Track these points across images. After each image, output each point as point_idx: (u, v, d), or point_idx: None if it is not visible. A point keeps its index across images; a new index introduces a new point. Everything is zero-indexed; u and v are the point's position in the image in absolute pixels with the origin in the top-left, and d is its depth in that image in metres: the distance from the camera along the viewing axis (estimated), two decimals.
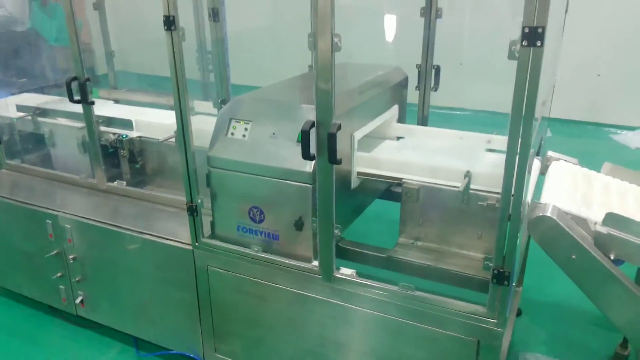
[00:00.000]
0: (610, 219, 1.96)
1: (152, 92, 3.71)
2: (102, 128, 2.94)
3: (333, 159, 1.85)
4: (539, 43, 1.46)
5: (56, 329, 3.09)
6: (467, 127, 2.74)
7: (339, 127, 1.83)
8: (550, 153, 2.66)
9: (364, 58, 2.90)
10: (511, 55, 1.51)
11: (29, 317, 3.19)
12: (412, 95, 3.02)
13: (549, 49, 1.63)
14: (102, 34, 3.78)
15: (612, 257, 1.96)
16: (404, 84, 2.94)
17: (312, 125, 1.87)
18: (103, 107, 3.22)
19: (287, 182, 2.07)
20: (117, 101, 3.71)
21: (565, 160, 2.64)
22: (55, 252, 2.84)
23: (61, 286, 2.92)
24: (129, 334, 2.87)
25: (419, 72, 2.98)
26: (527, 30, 1.46)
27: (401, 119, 2.94)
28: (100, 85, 3.85)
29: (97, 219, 2.67)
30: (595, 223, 2.03)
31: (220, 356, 2.52)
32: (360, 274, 2.09)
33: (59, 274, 2.88)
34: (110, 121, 2.99)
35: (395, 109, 2.81)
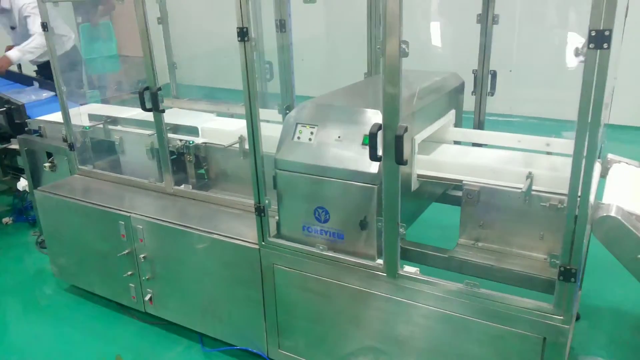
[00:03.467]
0: None
1: (212, 101, 3.89)
2: (170, 135, 3.10)
3: (400, 160, 1.93)
4: (605, 45, 1.51)
5: (125, 326, 3.24)
6: (522, 133, 2.76)
7: (406, 130, 1.91)
8: (610, 156, 2.66)
9: (421, 64, 2.96)
10: (577, 55, 1.56)
11: (99, 315, 3.36)
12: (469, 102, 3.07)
13: (614, 52, 1.67)
14: (165, 47, 4.00)
15: None
16: (460, 89, 3.00)
17: (379, 128, 1.96)
18: (170, 115, 3.39)
19: (353, 183, 2.15)
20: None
21: (626, 163, 2.64)
22: (126, 251, 3.00)
23: (131, 284, 3.08)
24: (194, 331, 2.99)
25: (475, 77, 3.03)
26: (593, 33, 1.51)
27: (457, 124, 3.00)
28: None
29: (168, 220, 2.82)
30: None
31: (284, 352, 2.61)
32: (422, 273, 2.15)
33: (129, 273, 3.04)
34: (176, 128, 3.16)
35: (452, 114, 2.87)
